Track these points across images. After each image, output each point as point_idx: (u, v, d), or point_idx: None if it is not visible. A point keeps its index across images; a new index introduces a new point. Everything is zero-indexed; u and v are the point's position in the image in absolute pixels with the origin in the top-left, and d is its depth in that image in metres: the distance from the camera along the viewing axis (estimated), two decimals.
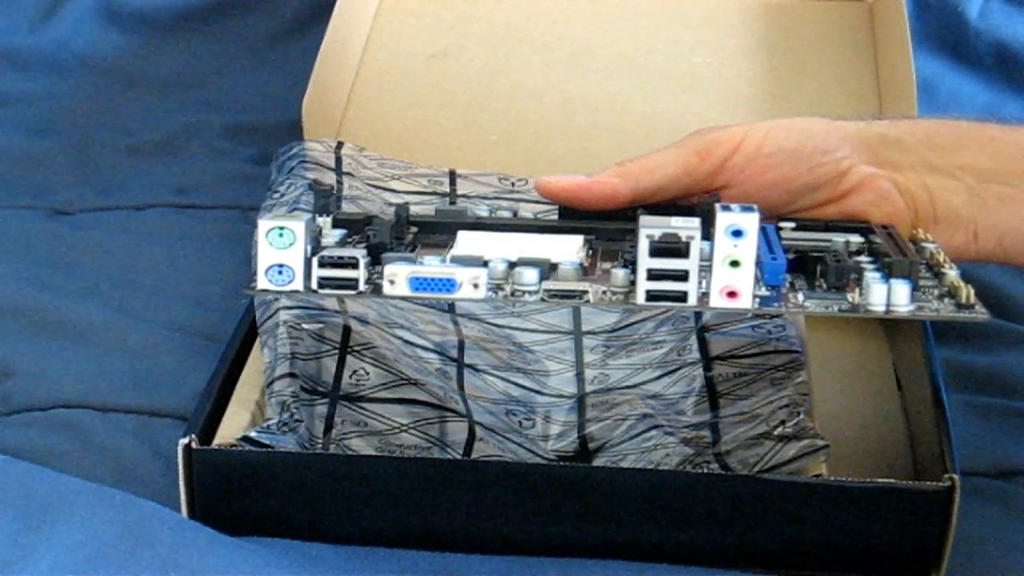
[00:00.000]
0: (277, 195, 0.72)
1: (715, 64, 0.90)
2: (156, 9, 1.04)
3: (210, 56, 1.02)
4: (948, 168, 0.61)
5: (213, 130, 0.94)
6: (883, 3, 0.91)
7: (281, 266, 0.52)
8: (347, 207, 0.72)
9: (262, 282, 0.52)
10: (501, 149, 0.84)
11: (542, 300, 0.52)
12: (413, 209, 0.60)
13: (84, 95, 0.99)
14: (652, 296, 0.51)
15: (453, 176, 0.77)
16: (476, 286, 0.51)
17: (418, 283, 0.52)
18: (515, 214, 0.62)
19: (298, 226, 0.52)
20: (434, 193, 0.76)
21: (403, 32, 0.93)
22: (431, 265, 0.52)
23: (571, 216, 0.60)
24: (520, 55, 0.91)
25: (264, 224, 0.52)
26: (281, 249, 0.52)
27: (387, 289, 0.52)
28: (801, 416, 0.59)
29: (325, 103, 0.84)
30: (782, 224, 0.60)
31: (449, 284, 0.51)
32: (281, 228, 0.52)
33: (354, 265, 0.52)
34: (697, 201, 0.60)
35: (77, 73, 1.01)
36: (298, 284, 0.52)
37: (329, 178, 0.75)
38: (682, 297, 0.51)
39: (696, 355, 0.65)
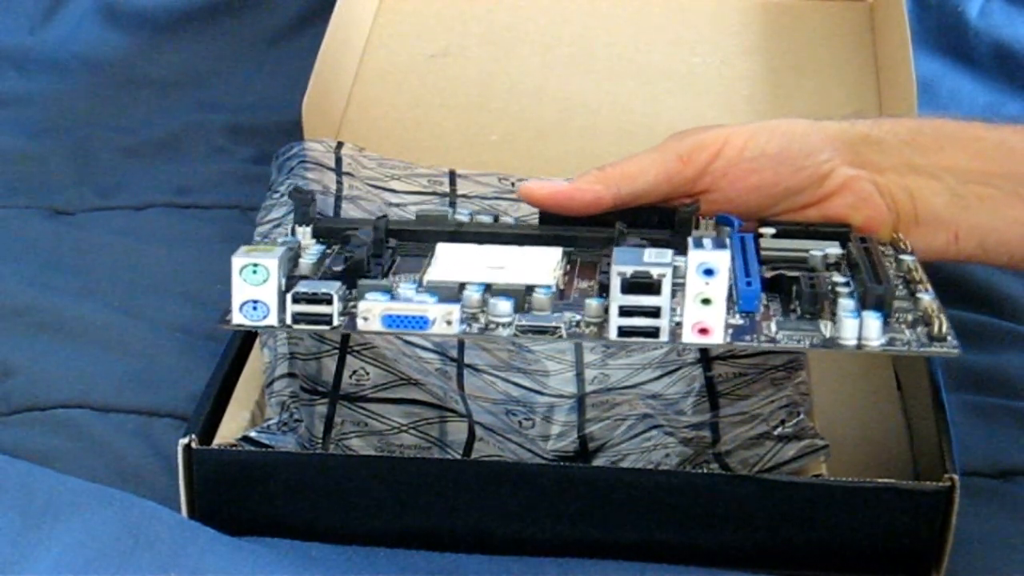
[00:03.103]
0: (277, 195, 0.72)
1: (715, 64, 0.90)
2: (156, 9, 1.04)
3: (210, 56, 1.02)
4: (930, 169, 0.61)
5: (213, 130, 0.94)
6: (883, 3, 0.91)
7: (256, 302, 0.52)
8: (347, 207, 0.72)
9: (237, 317, 0.53)
10: (501, 149, 0.84)
11: (515, 335, 0.52)
12: (401, 213, 0.59)
13: (84, 95, 0.99)
14: (624, 332, 0.51)
15: (453, 176, 0.77)
16: (449, 323, 0.52)
17: (391, 320, 0.52)
18: (496, 219, 0.62)
19: (271, 262, 0.52)
20: (434, 193, 0.76)
21: (403, 32, 0.93)
22: (405, 295, 0.52)
23: (551, 221, 0.60)
24: (520, 55, 0.91)
25: (237, 261, 0.52)
26: (255, 285, 0.52)
27: (361, 325, 0.52)
28: (801, 416, 0.59)
29: (325, 103, 0.84)
30: (762, 230, 0.59)
31: (421, 322, 0.52)
32: (255, 265, 0.52)
33: (328, 301, 0.52)
34: (678, 205, 0.60)
35: (77, 73, 1.01)
36: (273, 319, 0.52)
37: (329, 178, 0.75)
38: (654, 333, 0.51)
39: (696, 355, 0.65)
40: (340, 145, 0.79)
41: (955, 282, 0.74)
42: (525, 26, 0.93)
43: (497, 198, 0.75)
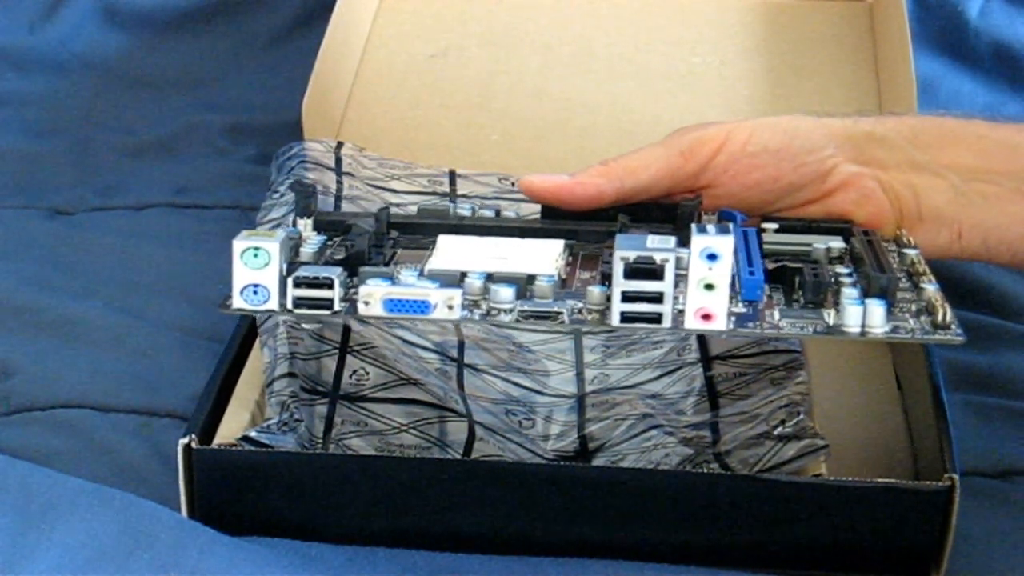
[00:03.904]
0: (277, 195, 0.72)
1: (715, 64, 0.90)
2: (156, 9, 1.04)
3: (210, 56, 1.02)
4: (933, 166, 0.61)
5: (213, 130, 0.94)
6: (883, 3, 0.91)
7: (256, 286, 0.52)
8: (347, 207, 0.72)
9: (237, 301, 0.52)
10: (501, 149, 0.84)
11: (517, 321, 0.52)
12: (397, 209, 0.59)
13: (84, 95, 0.99)
14: (627, 317, 0.51)
15: (453, 176, 0.77)
16: (451, 307, 0.51)
17: (392, 304, 0.52)
18: (497, 213, 0.62)
19: (272, 246, 0.52)
20: (434, 193, 0.76)
21: (403, 32, 0.93)
22: (407, 280, 0.52)
23: (553, 215, 0.60)
24: (520, 55, 0.91)
25: (239, 244, 0.52)
26: (256, 269, 0.52)
27: (362, 310, 0.52)
28: (801, 416, 0.59)
29: (325, 103, 0.84)
30: (764, 225, 0.59)
31: (423, 306, 0.51)
32: (256, 248, 0.52)
33: (329, 285, 0.52)
34: (680, 200, 0.60)
35: (77, 73, 1.01)
36: (273, 304, 0.52)
37: (329, 178, 0.75)
38: (657, 319, 0.51)
39: (696, 355, 0.65)
40: (340, 145, 0.79)
41: (955, 281, 0.74)
42: (525, 26, 0.93)
43: (497, 198, 0.75)
